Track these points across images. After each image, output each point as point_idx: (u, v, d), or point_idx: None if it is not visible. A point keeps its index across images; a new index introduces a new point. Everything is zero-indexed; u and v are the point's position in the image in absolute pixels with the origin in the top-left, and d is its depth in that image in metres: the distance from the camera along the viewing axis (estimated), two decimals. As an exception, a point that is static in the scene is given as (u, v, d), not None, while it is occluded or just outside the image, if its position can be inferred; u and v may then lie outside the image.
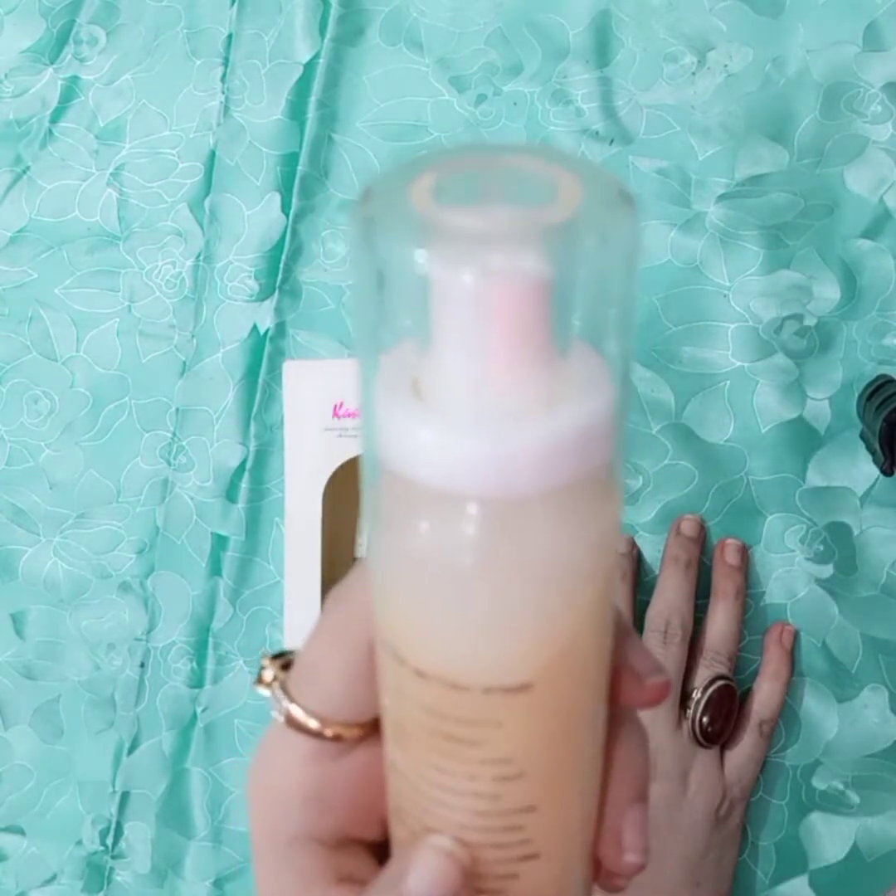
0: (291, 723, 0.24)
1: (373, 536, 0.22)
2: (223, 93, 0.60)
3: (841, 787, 0.51)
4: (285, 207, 0.58)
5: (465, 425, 0.19)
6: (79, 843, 0.58)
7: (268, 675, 0.26)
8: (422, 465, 0.19)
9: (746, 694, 0.51)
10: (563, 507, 0.20)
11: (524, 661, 0.21)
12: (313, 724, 0.24)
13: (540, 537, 0.20)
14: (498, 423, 0.19)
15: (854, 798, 0.51)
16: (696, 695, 0.49)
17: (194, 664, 0.57)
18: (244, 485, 0.57)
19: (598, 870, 0.26)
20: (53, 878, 0.58)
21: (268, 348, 0.58)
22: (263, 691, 0.26)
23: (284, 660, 0.26)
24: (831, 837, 0.51)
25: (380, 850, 0.26)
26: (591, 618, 0.22)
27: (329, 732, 0.24)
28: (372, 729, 0.25)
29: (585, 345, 0.20)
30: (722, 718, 0.50)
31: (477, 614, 0.21)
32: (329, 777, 0.25)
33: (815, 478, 0.53)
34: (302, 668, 0.25)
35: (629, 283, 0.19)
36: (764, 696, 0.51)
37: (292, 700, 0.24)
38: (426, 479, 0.19)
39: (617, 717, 0.25)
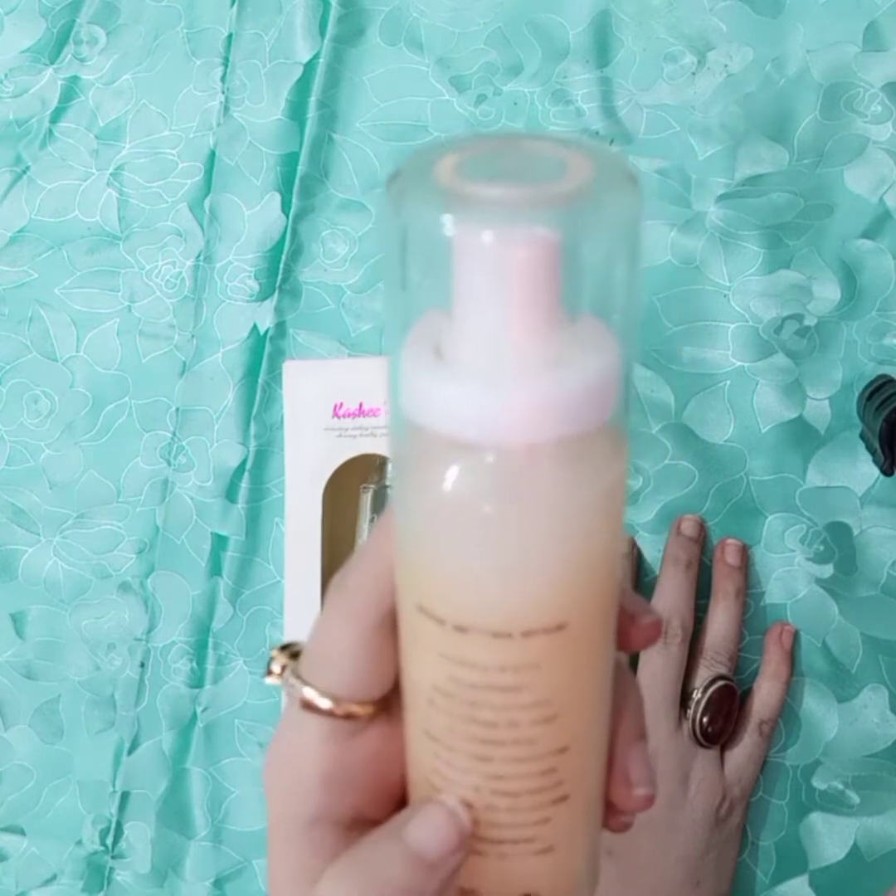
0: (305, 705, 0.25)
1: (401, 500, 0.23)
2: (223, 93, 0.60)
3: (841, 787, 0.51)
4: (285, 207, 0.58)
5: (483, 379, 0.21)
6: (79, 843, 0.58)
7: (276, 665, 0.26)
8: (448, 420, 0.21)
9: (746, 694, 0.51)
10: (578, 455, 0.21)
11: (559, 601, 0.23)
12: (326, 704, 0.25)
13: (561, 483, 0.21)
14: (513, 377, 0.21)
15: (854, 798, 0.51)
16: (696, 695, 0.49)
17: (194, 664, 0.57)
18: (244, 485, 0.57)
19: (607, 811, 0.27)
20: (53, 878, 0.58)
21: (268, 348, 0.58)
22: (273, 682, 0.26)
23: (292, 649, 0.27)
24: (831, 837, 0.51)
25: None
26: (610, 559, 0.23)
27: (342, 711, 0.25)
28: (383, 707, 0.25)
29: (592, 313, 0.21)
30: (722, 718, 0.50)
31: (513, 560, 0.22)
32: (345, 756, 0.25)
33: (815, 478, 0.53)
34: (312, 652, 0.26)
35: (633, 254, 0.21)
36: (764, 696, 0.51)
37: (305, 683, 0.25)
38: (453, 433, 0.21)
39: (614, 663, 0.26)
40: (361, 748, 0.25)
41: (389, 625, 0.25)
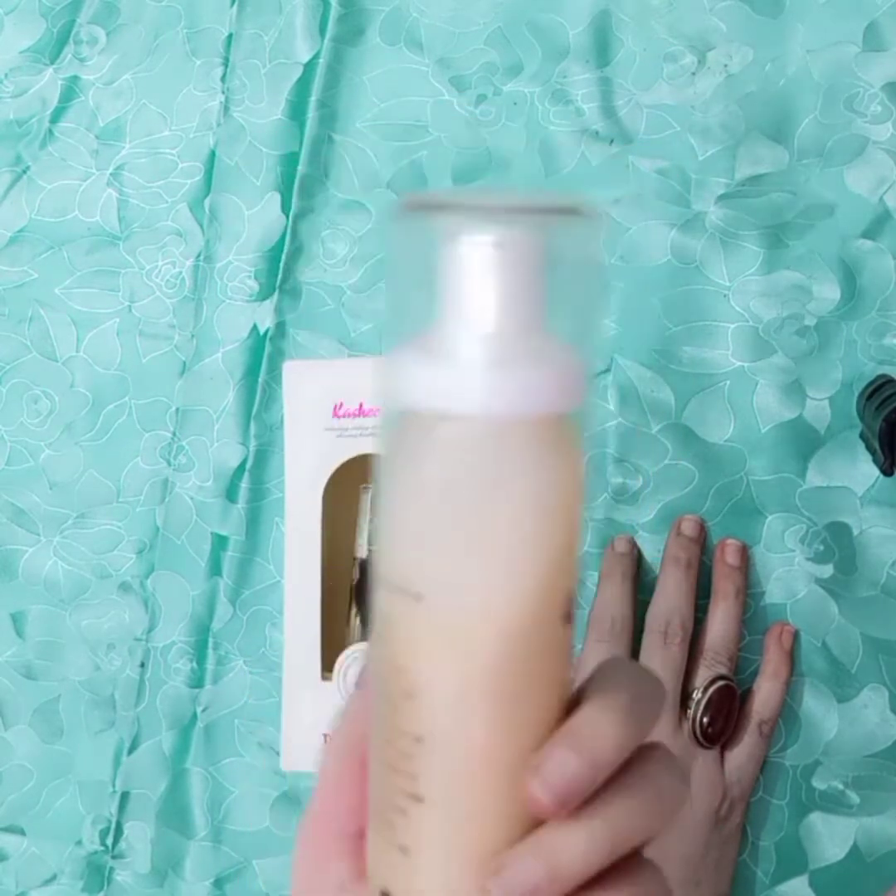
0: None
1: (390, 482, 0.24)
2: (223, 93, 0.60)
3: (841, 787, 0.51)
4: (285, 207, 0.58)
5: (460, 357, 0.23)
6: (79, 843, 0.58)
7: None
8: (431, 396, 0.23)
9: (746, 694, 0.51)
10: (539, 437, 0.23)
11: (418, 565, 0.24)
12: None
13: (518, 459, 0.23)
14: (487, 356, 0.23)
15: (854, 798, 0.51)
16: (696, 695, 0.49)
17: (194, 664, 0.57)
18: (244, 485, 0.57)
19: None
20: (53, 878, 0.58)
21: (268, 348, 0.58)
22: None
23: None
24: (831, 837, 0.51)
25: None
26: (543, 556, 0.24)
27: None
28: None
29: (564, 319, 0.24)
30: (722, 719, 0.50)
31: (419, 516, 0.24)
32: None
33: (815, 478, 0.52)
34: None
35: (599, 274, 0.24)
36: (764, 696, 0.51)
37: None
38: (433, 407, 0.23)
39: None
40: None
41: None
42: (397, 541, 0.24)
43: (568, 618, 0.24)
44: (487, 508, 0.23)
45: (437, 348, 0.23)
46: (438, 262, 0.23)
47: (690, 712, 0.49)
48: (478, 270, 0.23)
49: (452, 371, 0.23)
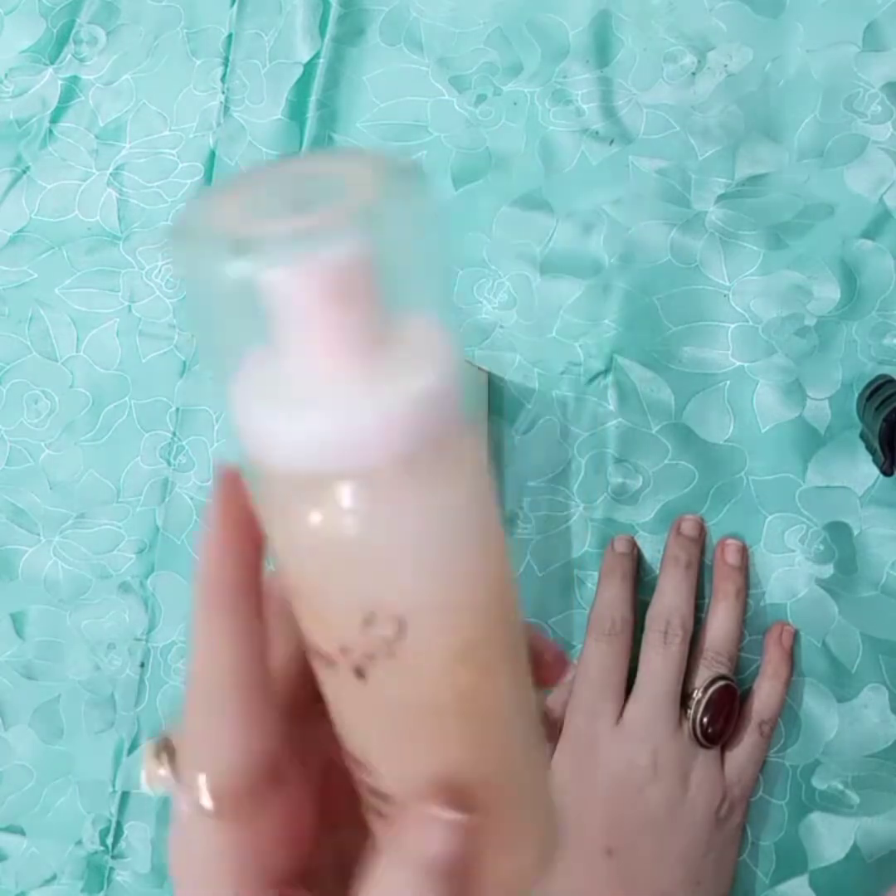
0: (193, 810, 0.24)
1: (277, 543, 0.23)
2: (223, 93, 0.60)
3: (841, 787, 0.51)
4: (285, 207, 0.58)
5: (316, 408, 0.20)
6: (79, 843, 0.58)
7: (155, 763, 0.25)
8: (287, 457, 0.21)
9: (746, 694, 0.51)
10: (421, 471, 0.21)
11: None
12: (210, 806, 0.24)
13: (409, 502, 0.21)
14: (331, 402, 0.20)
15: (854, 798, 0.51)
16: (696, 695, 0.49)
17: (194, 664, 0.57)
18: (244, 485, 0.57)
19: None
20: (53, 878, 0.58)
21: (268, 348, 0.57)
22: (156, 782, 0.25)
23: (167, 743, 0.26)
24: (831, 837, 0.51)
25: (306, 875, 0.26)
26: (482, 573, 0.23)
27: (229, 811, 0.24)
28: (274, 777, 0.25)
29: (421, 318, 0.21)
30: (722, 719, 0.49)
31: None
32: (248, 840, 0.25)
33: (815, 478, 0.52)
34: (186, 750, 0.25)
35: (437, 247, 0.21)
36: (764, 696, 0.51)
37: (186, 788, 0.24)
38: (299, 468, 0.21)
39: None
40: (265, 824, 0.25)
41: (244, 702, 0.24)
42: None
43: (518, 624, 0.25)
44: (408, 543, 0.22)
45: (286, 397, 0.21)
46: (256, 299, 0.20)
47: (690, 712, 0.49)
48: (313, 305, 0.20)
49: (308, 424, 0.20)
